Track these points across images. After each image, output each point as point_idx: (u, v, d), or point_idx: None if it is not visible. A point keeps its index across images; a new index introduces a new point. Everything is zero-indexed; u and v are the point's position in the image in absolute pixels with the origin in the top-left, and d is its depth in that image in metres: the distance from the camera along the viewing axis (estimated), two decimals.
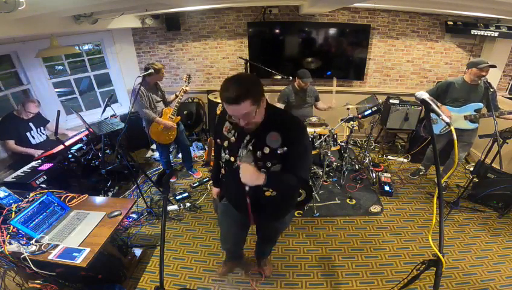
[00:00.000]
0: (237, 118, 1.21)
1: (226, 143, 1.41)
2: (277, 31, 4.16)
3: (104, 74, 4.38)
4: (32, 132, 3.12)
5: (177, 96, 3.20)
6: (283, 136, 1.26)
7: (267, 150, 1.28)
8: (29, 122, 3.10)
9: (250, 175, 1.21)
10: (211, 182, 1.79)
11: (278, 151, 1.28)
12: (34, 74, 3.53)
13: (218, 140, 1.48)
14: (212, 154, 1.42)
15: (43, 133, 3.26)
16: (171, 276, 2.28)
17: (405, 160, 3.99)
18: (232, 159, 1.40)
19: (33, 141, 3.11)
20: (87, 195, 2.18)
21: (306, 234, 2.70)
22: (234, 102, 1.12)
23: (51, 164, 2.66)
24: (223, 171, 1.57)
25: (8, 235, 1.69)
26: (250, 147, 1.31)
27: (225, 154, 1.43)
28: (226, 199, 1.71)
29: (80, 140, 3.17)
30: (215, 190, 1.83)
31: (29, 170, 2.61)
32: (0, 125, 2.98)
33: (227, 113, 1.32)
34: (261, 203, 1.46)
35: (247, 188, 1.28)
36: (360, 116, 3.13)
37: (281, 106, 3.69)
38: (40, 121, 3.25)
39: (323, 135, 3.02)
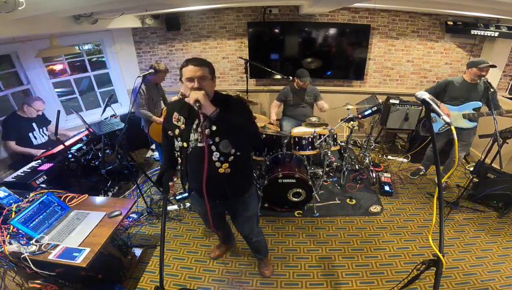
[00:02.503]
0: (193, 79, 1.38)
1: (177, 131, 1.53)
2: (277, 31, 4.16)
3: (104, 74, 4.38)
4: (34, 132, 3.11)
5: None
6: (224, 108, 1.41)
7: (214, 128, 1.43)
8: (32, 122, 3.09)
9: (202, 94, 1.33)
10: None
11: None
12: (34, 74, 3.52)
13: (169, 132, 1.58)
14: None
15: (45, 134, 3.25)
16: (171, 276, 2.28)
17: (405, 160, 3.99)
18: (185, 144, 1.52)
19: (35, 142, 3.11)
20: (87, 195, 2.18)
21: (306, 234, 2.70)
22: (198, 64, 1.40)
23: (51, 164, 2.66)
24: (179, 159, 1.64)
25: (8, 235, 1.68)
26: (199, 129, 1.44)
27: (178, 141, 1.54)
28: (190, 187, 1.75)
29: (80, 140, 3.17)
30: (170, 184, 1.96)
31: (29, 170, 2.60)
32: (3, 125, 2.97)
33: (173, 106, 1.58)
34: (217, 181, 1.55)
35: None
36: (360, 116, 3.14)
37: (278, 104, 3.70)
38: (43, 121, 3.25)
39: (323, 135, 3.02)
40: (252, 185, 1.80)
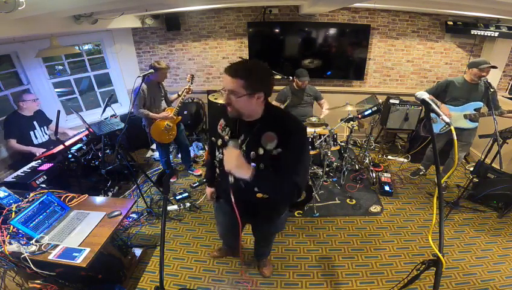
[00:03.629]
0: (224, 90, 1.18)
1: (219, 142, 1.38)
2: (277, 31, 4.16)
3: (104, 74, 4.38)
4: (35, 131, 3.11)
5: (179, 95, 3.19)
6: (280, 137, 1.19)
7: (261, 151, 1.21)
8: (33, 120, 3.10)
9: (235, 161, 1.14)
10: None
11: (273, 153, 1.21)
12: (34, 74, 3.52)
13: (213, 138, 1.45)
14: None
15: (46, 133, 3.25)
16: (171, 276, 2.28)
17: (405, 160, 3.99)
18: None
19: (35, 141, 3.11)
20: (87, 195, 2.18)
21: (306, 234, 2.70)
22: (230, 73, 1.13)
23: (51, 164, 2.66)
24: (217, 171, 1.51)
25: (8, 235, 1.68)
26: (244, 148, 1.25)
27: (219, 153, 1.39)
28: (221, 197, 1.69)
29: (80, 140, 3.17)
30: (209, 190, 1.81)
31: (29, 170, 2.60)
32: (5, 124, 2.98)
33: (221, 111, 1.34)
34: (252, 204, 1.42)
35: (231, 179, 1.21)
36: (360, 116, 3.14)
37: (277, 104, 3.70)
38: (44, 120, 3.25)
39: (323, 135, 3.02)
40: (287, 208, 1.67)
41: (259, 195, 1.39)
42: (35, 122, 3.11)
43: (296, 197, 1.25)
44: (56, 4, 2.00)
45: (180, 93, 3.18)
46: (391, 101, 3.89)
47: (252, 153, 1.24)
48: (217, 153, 1.41)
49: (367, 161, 3.62)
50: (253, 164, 1.23)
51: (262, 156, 1.22)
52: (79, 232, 1.80)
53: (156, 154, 4.07)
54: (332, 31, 4.11)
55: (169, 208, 3.01)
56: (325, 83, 4.49)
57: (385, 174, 3.43)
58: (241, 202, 1.34)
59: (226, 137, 1.33)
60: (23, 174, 2.56)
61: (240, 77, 1.12)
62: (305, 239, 2.64)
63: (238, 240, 2.10)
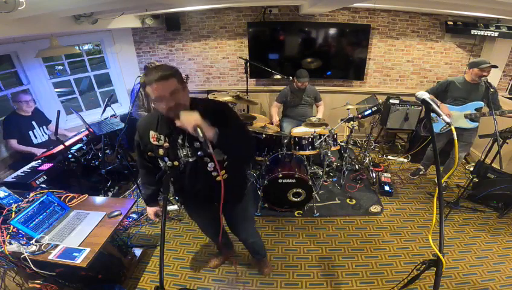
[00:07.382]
0: (165, 99, 1.20)
1: (161, 151, 1.40)
2: (277, 31, 4.16)
3: (104, 74, 4.38)
4: (34, 130, 3.12)
5: None
6: (211, 119, 1.26)
7: (202, 139, 1.28)
8: (31, 120, 3.10)
9: (196, 116, 1.18)
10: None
11: None
12: (34, 74, 3.52)
13: (148, 153, 1.46)
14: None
15: (45, 133, 3.26)
16: (171, 276, 2.28)
17: (405, 160, 3.99)
18: (176, 163, 1.42)
19: (35, 141, 3.11)
20: (87, 195, 2.18)
21: (306, 234, 2.70)
22: (163, 79, 1.17)
23: (51, 164, 2.66)
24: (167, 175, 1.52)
25: (8, 235, 1.68)
26: (187, 143, 1.35)
27: (165, 162, 1.43)
28: (191, 201, 1.68)
29: (80, 140, 3.17)
30: (151, 210, 1.78)
31: (29, 170, 2.60)
32: (4, 125, 2.98)
33: (147, 125, 1.41)
34: (215, 190, 1.46)
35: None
36: (360, 116, 3.14)
37: (278, 105, 3.71)
38: (43, 120, 3.25)
39: (323, 135, 3.02)
40: (247, 184, 1.77)
41: (219, 178, 1.44)
42: (33, 122, 3.12)
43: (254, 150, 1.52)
44: (56, 4, 2.00)
45: None
46: (391, 101, 3.88)
47: (195, 143, 1.35)
48: (163, 163, 1.45)
49: (367, 161, 3.62)
50: (200, 152, 1.36)
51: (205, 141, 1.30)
52: (79, 232, 1.80)
53: None
54: (332, 31, 4.11)
55: (169, 208, 3.01)
56: (325, 83, 4.49)
57: (385, 174, 3.42)
58: (206, 191, 1.48)
59: (166, 144, 1.38)
60: (23, 174, 2.56)
61: (170, 77, 1.20)
62: (305, 239, 2.64)
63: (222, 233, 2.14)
